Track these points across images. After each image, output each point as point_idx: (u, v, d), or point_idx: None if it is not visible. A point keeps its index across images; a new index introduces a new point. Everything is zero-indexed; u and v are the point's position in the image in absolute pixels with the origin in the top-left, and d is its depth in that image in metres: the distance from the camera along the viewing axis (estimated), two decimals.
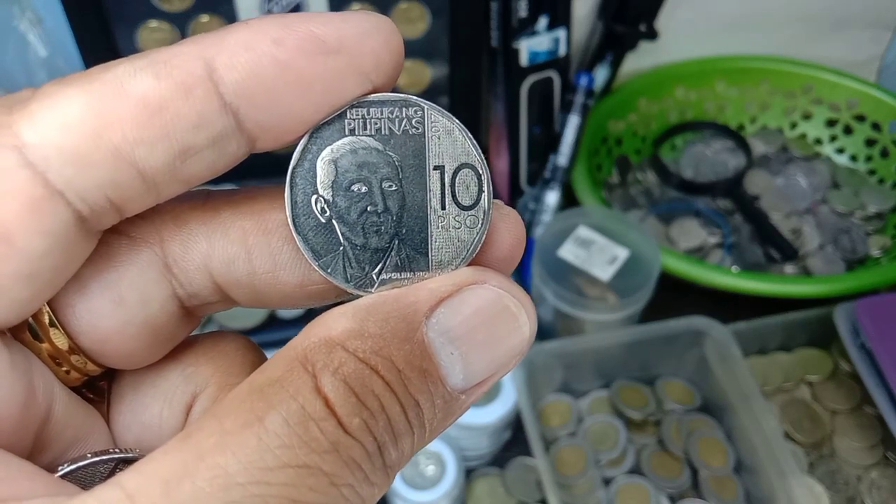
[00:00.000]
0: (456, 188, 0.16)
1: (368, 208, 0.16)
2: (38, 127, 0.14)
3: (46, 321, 0.16)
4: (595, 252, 0.62)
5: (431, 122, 0.16)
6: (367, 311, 0.15)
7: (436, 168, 0.16)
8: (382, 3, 0.62)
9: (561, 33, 0.68)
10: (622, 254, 0.62)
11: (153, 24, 0.61)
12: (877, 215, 0.74)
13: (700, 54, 0.81)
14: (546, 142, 0.72)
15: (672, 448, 0.57)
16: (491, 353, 0.16)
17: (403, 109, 0.16)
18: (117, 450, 0.17)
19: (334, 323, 0.15)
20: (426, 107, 0.16)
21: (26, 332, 0.16)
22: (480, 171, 0.16)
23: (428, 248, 0.16)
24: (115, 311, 0.16)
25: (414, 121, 0.16)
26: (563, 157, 0.71)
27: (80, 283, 0.16)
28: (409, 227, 0.16)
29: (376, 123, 0.16)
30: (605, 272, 0.61)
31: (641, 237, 0.62)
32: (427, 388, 0.15)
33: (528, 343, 0.16)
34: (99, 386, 0.18)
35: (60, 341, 0.16)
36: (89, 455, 0.16)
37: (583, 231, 0.64)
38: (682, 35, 0.78)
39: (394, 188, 0.16)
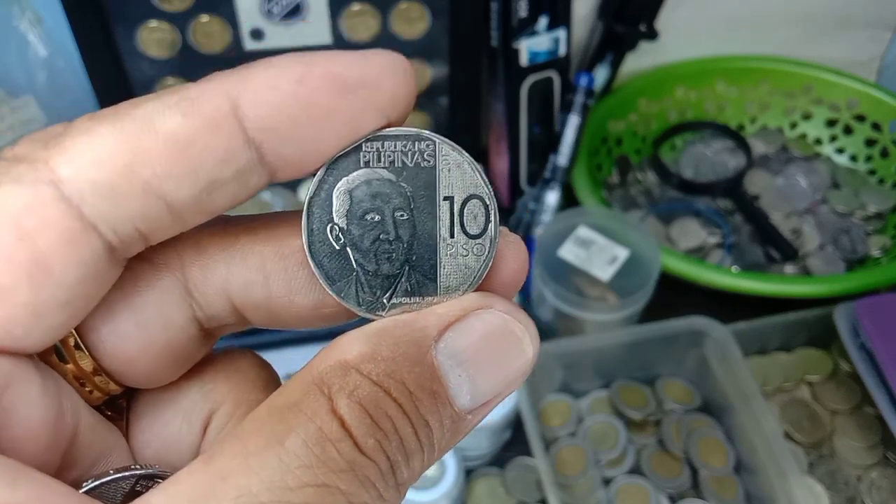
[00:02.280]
0: (464, 218, 0.17)
1: (381, 236, 0.17)
2: (73, 162, 0.14)
3: (72, 344, 0.16)
4: (595, 252, 0.62)
5: (442, 156, 0.17)
6: (379, 336, 0.16)
7: (446, 199, 0.17)
8: (383, 4, 0.62)
9: (561, 33, 0.68)
10: (622, 254, 0.62)
11: (153, 23, 0.61)
12: (877, 215, 0.74)
13: (700, 54, 0.81)
14: (546, 142, 0.72)
15: (672, 448, 0.57)
16: (497, 374, 0.17)
17: (416, 143, 0.17)
18: (138, 466, 0.17)
19: (349, 346, 0.16)
20: (437, 141, 0.17)
21: (52, 355, 0.16)
22: (488, 203, 0.17)
23: (437, 275, 0.17)
24: (138, 333, 0.17)
25: (426, 154, 0.17)
26: (563, 157, 0.71)
27: (106, 308, 0.17)
28: (419, 254, 0.17)
29: (390, 156, 0.17)
30: (605, 272, 0.61)
31: (641, 237, 0.63)
32: (437, 408, 0.16)
33: (532, 365, 0.17)
34: (118, 404, 0.19)
35: (85, 363, 0.17)
36: (111, 472, 0.17)
37: (583, 231, 0.64)
38: (682, 35, 0.78)
39: (405, 217, 0.17)
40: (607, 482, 0.56)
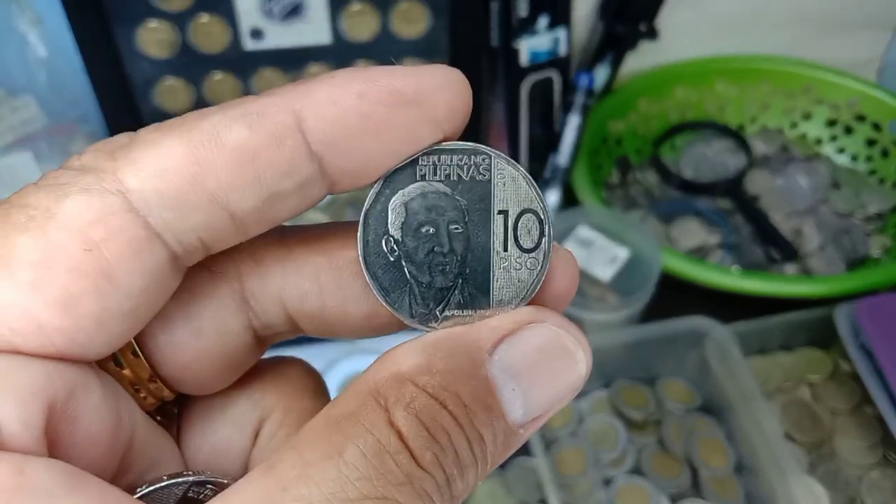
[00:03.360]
0: (518, 232, 0.17)
1: (435, 249, 0.17)
2: (140, 173, 0.15)
3: (130, 350, 0.17)
4: (595, 252, 0.62)
5: (498, 170, 0.17)
6: (434, 348, 0.16)
7: (500, 212, 0.17)
8: (383, 3, 0.62)
9: (561, 33, 0.68)
10: (622, 254, 0.62)
11: (153, 23, 0.61)
12: (877, 215, 0.74)
13: (700, 54, 0.81)
14: (546, 142, 0.72)
15: (672, 448, 0.57)
16: (550, 388, 0.17)
17: (472, 157, 0.17)
18: (190, 472, 0.18)
19: (403, 358, 0.16)
20: (493, 155, 0.17)
21: (110, 361, 0.17)
22: (542, 217, 0.17)
23: (490, 288, 0.17)
24: (194, 342, 0.17)
25: (481, 168, 0.17)
26: (563, 157, 0.71)
27: (164, 315, 0.17)
28: (472, 267, 0.17)
29: (446, 170, 0.17)
30: (605, 272, 0.61)
31: (642, 237, 0.63)
32: (491, 422, 0.16)
33: (584, 379, 0.17)
34: (169, 409, 0.19)
35: (142, 370, 0.17)
36: (165, 477, 0.17)
37: (583, 231, 0.64)
38: (682, 35, 0.78)
39: (460, 230, 0.17)
40: (608, 482, 0.56)
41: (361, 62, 0.65)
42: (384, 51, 0.65)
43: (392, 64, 0.16)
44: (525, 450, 0.56)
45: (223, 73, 0.65)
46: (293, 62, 0.65)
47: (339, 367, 0.58)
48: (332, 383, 0.57)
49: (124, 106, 0.64)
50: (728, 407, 0.57)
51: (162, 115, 0.65)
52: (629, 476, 0.56)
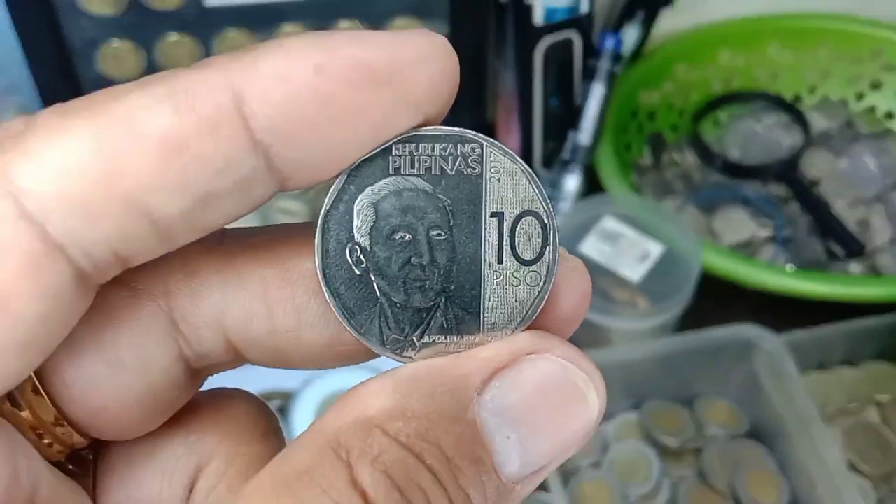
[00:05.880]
0: (516, 239, 0.17)
1: (412, 260, 0.16)
2: (36, 170, 0.14)
3: (30, 388, 0.16)
4: (623, 248, 0.63)
5: (491, 162, 0.16)
6: (409, 386, 0.16)
7: (493, 215, 0.16)
8: None
9: None
10: (655, 250, 0.63)
11: None
12: None
13: (748, 12, 0.81)
14: (565, 116, 0.72)
15: (715, 481, 0.57)
16: (553, 436, 0.16)
17: (458, 146, 0.16)
18: None
19: (372, 399, 0.15)
20: (485, 143, 0.16)
21: (5, 402, 0.16)
22: (546, 221, 0.16)
23: (480, 309, 0.17)
24: (110, 376, 0.16)
25: (470, 160, 0.16)
26: (584, 134, 0.71)
27: (71, 345, 0.16)
28: (458, 283, 0.17)
29: (426, 161, 0.16)
30: (634, 272, 0.62)
31: (678, 230, 0.63)
32: (479, 478, 0.15)
33: (597, 424, 0.17)
34: (83, 456, 0.18)
35: (45, 412, 0.16)
36: None
37: (608, 223, 0.64)
38: None
39: (443, 237, 0.16)
40: None
41: (345, 22, 0.65)
42: (372, 6, 0.65)
43: (360, 28, 0.16)
44: (541, 484, 0.56)
45: (179, 34, 0.64)
46: (262, 21, 0.65)
47: (316, 385, 0.58)
48: (309, 406, 0.57)
49: (60, 73, 0.64)
50: (781, 433, 0.57)
51: (105, 84, 0.65)
52: None
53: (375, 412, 0.15)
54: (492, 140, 0.16)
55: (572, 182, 0.71)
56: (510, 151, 0.16)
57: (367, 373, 0.16)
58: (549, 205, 0.17)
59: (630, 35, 0.75)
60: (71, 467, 0.18)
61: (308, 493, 0.14)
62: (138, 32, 0.64)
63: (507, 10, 0.67)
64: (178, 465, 0.18)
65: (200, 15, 0.63)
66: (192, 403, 0.19)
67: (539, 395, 0.16)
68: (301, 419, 0.56)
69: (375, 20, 0.65)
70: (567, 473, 0.57)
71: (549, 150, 0.73)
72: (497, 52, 0.71)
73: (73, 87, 0.64)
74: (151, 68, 0.65)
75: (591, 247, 0.62)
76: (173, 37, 0.64)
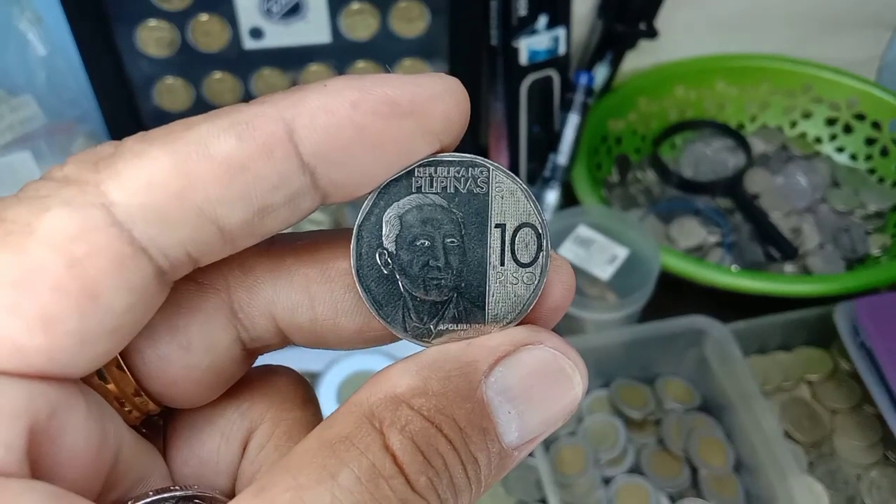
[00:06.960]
0: (515, 246, 0.17)
1: (430, 262, 0.17)
2: (125, 186, 0.14)
3: (115, 365, 0.16)
4: (595, 251, 0.62)
5: (496, 183, 0.17)
6: (429, 369, 0.16)
7: (497, 226, 0.17)
8: (382, 2, 0.62)
9: (561, 32, 0.68)
10: (622, 253, 0.62)
11: (152, 22, 0.61)
12: (877, 214, 0.74)
13: (700, 53, 0.81)
14: (546, 141, 0.72)
15: (672, 447, 0.57)
16: (545, 411, 0.17)
17: (469, 169, 0.17)
18: (177, 487, 0.17)
19: (398, 379, 0.16)
20: (491, 167, 0.17)
21: (94, 376, 0.16)
22: (540, 231, 0.17)
23: (485, 302, 0.17)
24: (181, 356, 0.17)
25: (479, 180, 0.17)
26: (562, 155, 0.71)
27: (150, 330, 0.16)
28: (468, 281, 0.17)
29: (443, 182, 0.17)
30: (604, 271, 0.61)
31: (641, 236, 0.62)
32: (485, 445, 0.16)
33: (580, 402, 0.17)
34: (155, 422, 0.19)
35: (126, 385, 0.17)
36: (151, 493, 0.17)
37: (582, 230, 0.64)
38: (682, 34, 0.78)
39: (455, 244, 0.17)
40: (607, 481, 0.56)
41: (361, 62, 0.65)
42: (384, 50, 0.65)
43: (387, 72, 0.16)
44: None
45: (223, 72, 0.65)
46: (293, 61, 0.65)
47: (338, 367, 0.58)
48: (332, 384, 0.57)
49: (124, 105, 0.64)
50: (727, 406, 0.57)
51: (161, 114, 0.65)
52: (628, 475, 0.56)
53: (403, 390, 0.15)
54: (497, 164, 0.17)
55: (552, 196, 0.71)
56: (512, 174, 0.17)
57: (382, 357, 0.16)
58: (543, 218, 0.17)
59: (601, 73, 0.75)
60: (145, 430, 0.18)
61: (348, 454, 0.14)
62: (188, 71, 0.64)
63: (497, 52, 0.67)
64: (233, 427, 0.19)
65: (240, 56, 0.63)
66: (244, 377, 0.19)
67: (534, 377, 0.16)
68: (326, 395, 0.56)
69: (387, 61, 0.65)
70: (548, 441, 0.57)
71: (532, 169, 0.73)
72: (489, 87, 0.71)
73: (134, 118, 0.64)
74: (200, 101, 0.65)
75: (568, 250, 0.62)
76: (217, 75, 0.64)
